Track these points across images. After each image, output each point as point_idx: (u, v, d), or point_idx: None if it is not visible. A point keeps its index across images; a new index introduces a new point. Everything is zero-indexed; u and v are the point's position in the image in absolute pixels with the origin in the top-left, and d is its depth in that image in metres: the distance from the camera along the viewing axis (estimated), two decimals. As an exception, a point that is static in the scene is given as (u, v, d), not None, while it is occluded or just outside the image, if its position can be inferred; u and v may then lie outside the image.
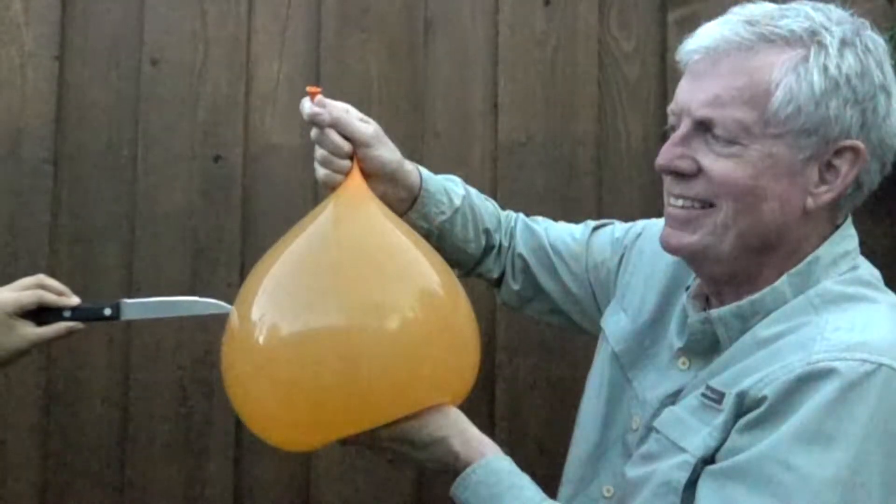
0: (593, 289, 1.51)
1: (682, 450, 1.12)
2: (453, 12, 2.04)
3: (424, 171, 1.47)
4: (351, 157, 1.35)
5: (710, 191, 1.14)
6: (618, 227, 1.52)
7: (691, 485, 1.10)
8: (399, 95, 2.04)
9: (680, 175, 1.17)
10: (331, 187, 1.34)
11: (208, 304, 1.43)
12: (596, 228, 1.55)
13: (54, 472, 1.98)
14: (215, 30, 2.04)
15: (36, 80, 2.01)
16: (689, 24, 2.10)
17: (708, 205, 1.15)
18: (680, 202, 1.18)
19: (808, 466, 1.02)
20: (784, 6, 1.16)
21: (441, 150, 2.02)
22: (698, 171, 1.15)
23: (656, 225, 1.38)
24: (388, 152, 1.39)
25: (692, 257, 1.20)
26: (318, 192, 2.02)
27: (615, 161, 2.03)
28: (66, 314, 1.41)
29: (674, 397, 1.21)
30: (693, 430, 1.13)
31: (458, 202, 1.49)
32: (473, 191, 1.55)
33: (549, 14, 2.05)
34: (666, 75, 2.02)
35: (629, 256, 1.45)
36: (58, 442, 1.98)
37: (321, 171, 1.36)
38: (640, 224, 1.49)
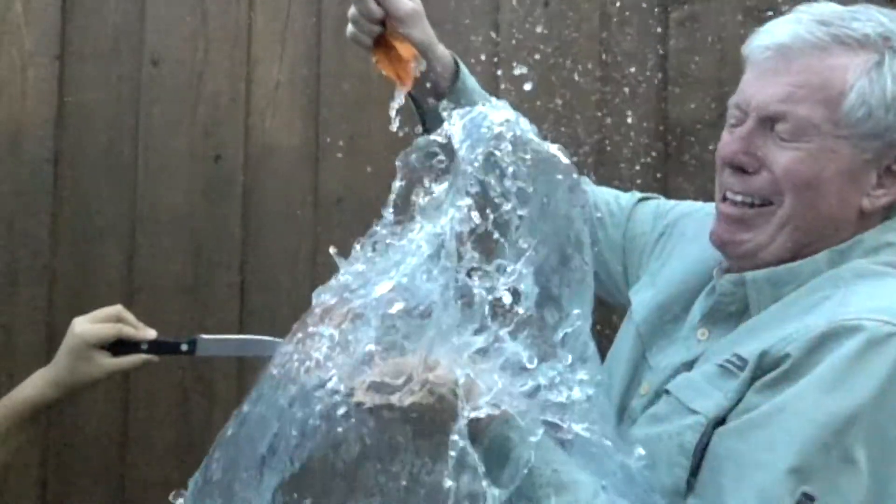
0: (626, 258, 1.50)
1: (694, 412, 1.12)
2: (453, 12, 2.04)
3: (464, 68, 1.47)
4: (382, 24, 1.37)
5: (770, 186, 1.16)
6: (663, 203, 1.52)
7: (703, 448, 1.10)
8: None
9: (740, 170, 1.18)
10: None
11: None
12: (641, 200, 1.54)
13: (54, 472, 1.98)
14: (215, 30, 2.04)
15: (36, 80, 2.01)
16: (689, 24, 2.12)
17: (767, 202, 1.17)
18: (739, 198, 1.19)
19: (823, 414, 1.03)
20: (851, 8, 1.18)
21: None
22: (760, 167, 1.16)
23: (703, 209, 1.40)
24: (418, 33, 1.39)
25: (741, 255, 1.21)
26: (318, 192, 2.03)
27: (615, 161, 2.03)
28: (143, 347, 1.45)
29: (688, 366, 1.21)
30: (706, 395, 1.13)
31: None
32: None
33: (549, 14, 2.05)
34: (666, 75, 2.02)
35: (671, 234, 1.44)
36: (58, 442, 1.98)
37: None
38: (686, 204, 1.49)
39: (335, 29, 2.03)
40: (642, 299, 1.38)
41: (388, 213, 1.33)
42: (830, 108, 1.13)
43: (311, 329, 1.27)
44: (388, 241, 1.31)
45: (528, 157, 1.12)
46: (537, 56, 2.04)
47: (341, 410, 1.09)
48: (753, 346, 1.12)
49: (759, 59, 1.19)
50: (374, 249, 1.32)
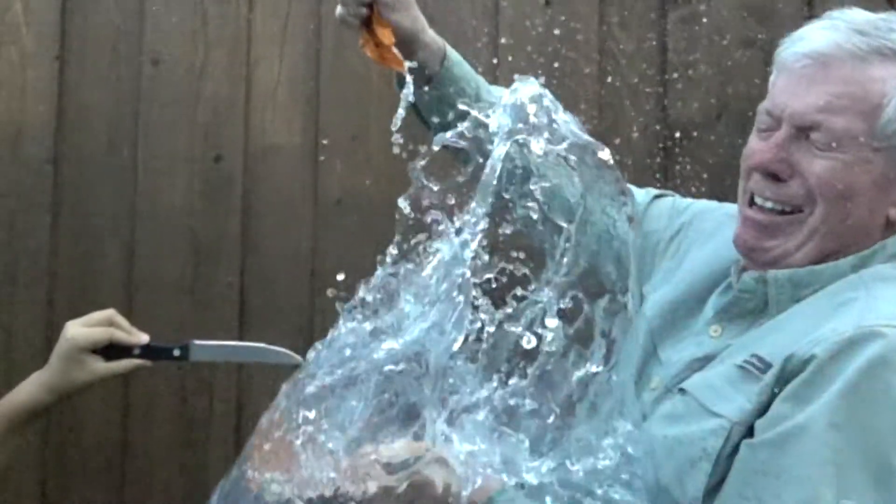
0: (639, 254, 1.50)
1: (716, 415, 1.11)
2: (453, 12, 2.04)
3: (454, 55, 1.45)
4: (370, 6, 1.37)
5: (803, 193, 1.16)
6: (679, 201, 1.51)
7: (726, 453, 1.09)
8: (399, 95, 2.04)
9: (773, 177, 1.18)
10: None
11: (278, 353, 1.46)
12: (657, 197, 1.54)
13: (54, 473, 1.98)
14: (215, 30, 2.04)
15: (36, 80, 2.01)
16: (689, 24, 2.12)
17: (797, 210, 1.17)
18: (769, 204, 1.19)
19: (857, 426, 1.03)
20: (885, 17, 1.18)
21: (442, 150, 2.02)
22: (792, 175, 1.16)
23: (720, 209, 1.40)
24: (405, 18, 1.39)
25: (767, 262, 1.20)
26: (318, 192, 2.03)
27: (615, 161, 2.02)
28: (136, 352, 1.44)
29: (701, 362, 1.20)
30: (727, 397, 1.12)
31: (487, 99, 1.44)
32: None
33: (550, 14, 2.05)
34: (666, 75, 2.02)
35: (686, 232, 1.44)
36: (58, 442, 1.98)
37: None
38: (702, 202, 1.49)
39: (335, 29, 2.03)
40: (655, 296, 1.37)
41: (388, 263, 1.24)
42: (867, 119, 1.13)
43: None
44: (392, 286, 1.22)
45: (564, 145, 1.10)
46: (537, 56, 2.04)
47: None
48: (774, 347, 1.12)
49: (795, 66, 1.18)
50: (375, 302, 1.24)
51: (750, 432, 1.09)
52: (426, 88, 1.43)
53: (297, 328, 1.99)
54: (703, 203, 1.49)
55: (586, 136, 1.14)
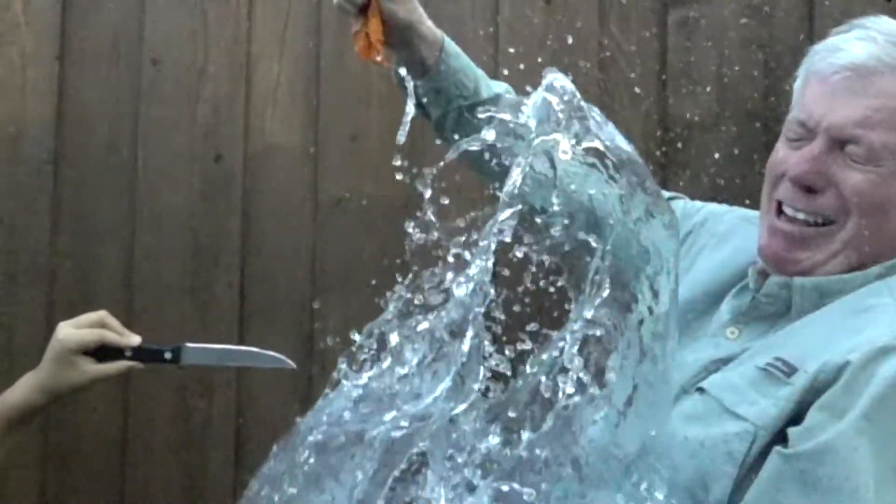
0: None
1: (739, 417, 1.10)
2: (453, 12, 2.04)
3: (452, 47, 1.42)
4: None
5: (836, 205, 1.15)
6: (690, 204, 1.51)
7: (751, 457, 1.08)
8: (399, 95, 2.03)
9: (806, 188, 1.17)
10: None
11: (270, 358, 1.46)
12: (668, 199, 1.52)
13: (54, 473, 1.98)
14: (215, 30, 2.04)
15: (36, 80, 2.01)
16: (689, 24, 2.12)
17: (828, 222, 1.16)
18: (801, 216, 1.18)
19: (887, 436, 1.02)
20: None
21: (443, 150, 2.02)
22: (826, 186, 1.16)
23: (733, 212, 1.40)
24: (403, 11, 1.36)
25: (796, 273, 1.19)
26: (317, 192, 2.03)
27: (615, 161, 2.03)
28: (127, 353, 1.44)
29: (720, 363, 1.19)
30: (750, 400, 1.11)
31: (486, 94, 1.43)
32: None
33: (550, 14, 2.05)
34: (666, 76, 2.02)
35: (699, 234, 1.43)
36: (58, 442, 1.98)
37: None
38: (713, 205, 1.48)
39: (335, 29, 2.03)
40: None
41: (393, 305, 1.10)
42: None
43: None
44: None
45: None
46: (537, 56, 2.04)
47: None
48: (798, 350, 1.11)
49: (833, 77, 1.17)
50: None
51: (777, 438, 1.08)
52: (423, 81, 1.41)
53: (297, 328, 1.99)
54: (714, 206, 1.48)
55: (626, 143, 1.06)
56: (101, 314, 1.46)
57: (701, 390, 1.17)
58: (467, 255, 1.02)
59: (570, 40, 2.04)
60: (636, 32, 2.04)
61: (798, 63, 2.07)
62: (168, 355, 1.46)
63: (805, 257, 1.18)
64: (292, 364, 1.40)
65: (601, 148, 1.02)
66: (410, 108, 1.29)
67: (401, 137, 1.29)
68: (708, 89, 2.02)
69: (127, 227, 2.01)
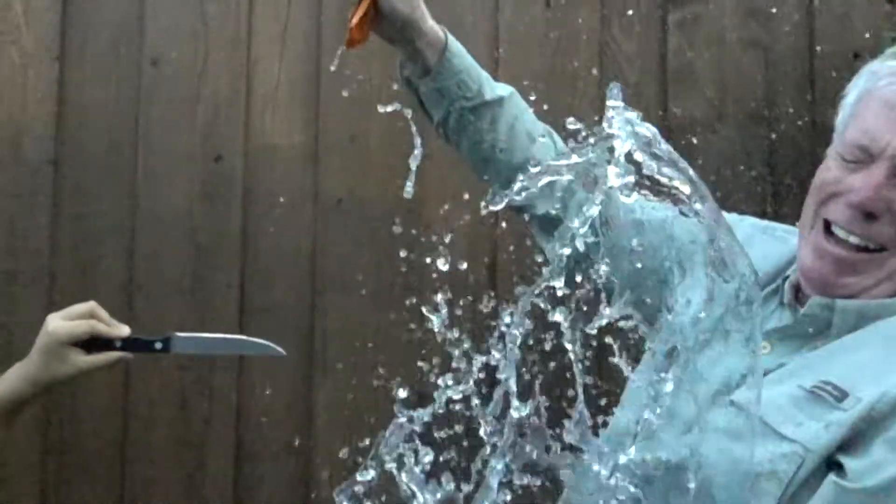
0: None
1: (786, 438, 1.08)
2: (453, 12, 2.04)
3: (456, 46, 1.38)
4: None
5: (892, 232, 1.14)
6: None
7: (799, 480, 1.07)
8: (400, 95, 2.04)
9: (865, 213, 1.15)
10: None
11: (260, 345, 1.45)
12: None
13: (54, 472, 1.98)
14: (215, 30, 2.04)
15: (36, 80, 2.01)
16: (689, 25, 2.12)
17: (881, 248, 1.15)
18: (853, 239, 1.16)
19: None
20: None
21: (443, 150, 2.02)
22: (884, 212, 1.14)
23: (747, 220, 1.38)
24: (405, 6, 1.32)
25: (841, 296, 1.18)
26: (318, 192, 2.03)
27: (615, 161, 2.03)
28: (117, 344, 1.43)
29: (747, 377, 1.13)
30: (797, 422, 1.09)
31: (489, 96, 1.39)
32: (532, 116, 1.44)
33: (550, 15, 2.05)
34: (666, 77, 2.02)
35: None
36: (58, 442, 1.98)
37: None
38: (725, 214, 1.47)
39: (335, 29, 2.03)
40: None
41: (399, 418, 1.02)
42: None
43: None
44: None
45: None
46: (537, 56, 2.04)
47: None
48: (846, 373, 1.10)
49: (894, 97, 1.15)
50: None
51: (827, 463, 1.07)
52: (425, 80, 1.39)
53: (297, 328, 1.99)
54: (727, 215, 1.47)
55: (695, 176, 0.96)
56: (91, 305, 1.45)
57: (733, 403, 1.13)
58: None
59: (569, 40, 2.04)
60: (636, 32, 2.04)
61: (798, 63, 2.07)
62: (158, 345, 1.45)
63: (854, 282, 1.16)
64: (282, 351, 1.40)
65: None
66: (417, 155, 1.29)
67: (408, 192, 1.29)
68: (708, 89, 2.02)
69: (127, 227, 2.01)
